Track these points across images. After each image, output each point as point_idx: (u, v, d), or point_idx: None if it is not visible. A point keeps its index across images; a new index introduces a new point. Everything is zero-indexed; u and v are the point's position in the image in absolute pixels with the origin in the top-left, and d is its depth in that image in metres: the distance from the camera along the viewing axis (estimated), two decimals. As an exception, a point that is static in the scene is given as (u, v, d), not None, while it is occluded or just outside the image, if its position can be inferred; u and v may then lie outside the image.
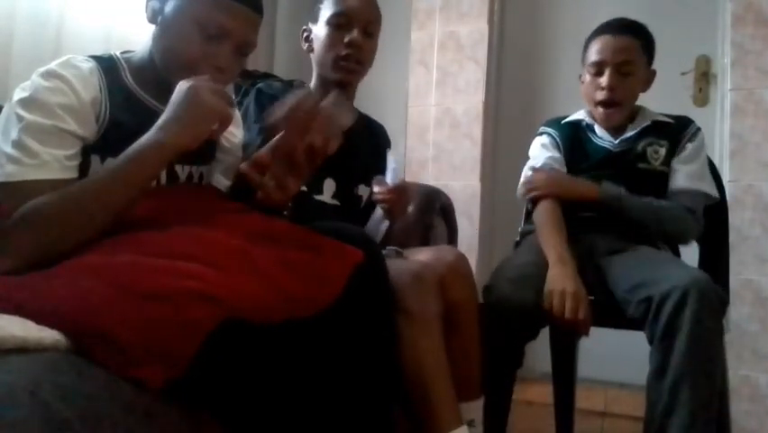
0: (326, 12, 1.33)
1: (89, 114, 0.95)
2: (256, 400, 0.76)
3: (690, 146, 1.46)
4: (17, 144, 0.88)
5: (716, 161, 1.74)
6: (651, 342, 1.16)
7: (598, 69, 1.46)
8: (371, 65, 1.38)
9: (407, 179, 2.47)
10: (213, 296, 0.72)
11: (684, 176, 1.44)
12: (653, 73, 1.52)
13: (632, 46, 1.44)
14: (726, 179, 1.98)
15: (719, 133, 2.16)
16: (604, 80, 1.44)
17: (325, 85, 1.34)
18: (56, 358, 0.63)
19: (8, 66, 1.47)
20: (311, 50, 1.38)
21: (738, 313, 2.00)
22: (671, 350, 1.11)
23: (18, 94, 0.92)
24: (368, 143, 1.45)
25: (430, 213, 1.80)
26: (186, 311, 0.69)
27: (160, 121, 0.89)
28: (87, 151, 0.95)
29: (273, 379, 0.77)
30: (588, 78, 1.50)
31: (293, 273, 0.81)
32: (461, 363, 1.10)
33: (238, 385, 0.75)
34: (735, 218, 1.95)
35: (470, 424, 1.10)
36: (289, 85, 1.43)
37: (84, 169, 0.95)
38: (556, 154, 1.55)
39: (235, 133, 1.18)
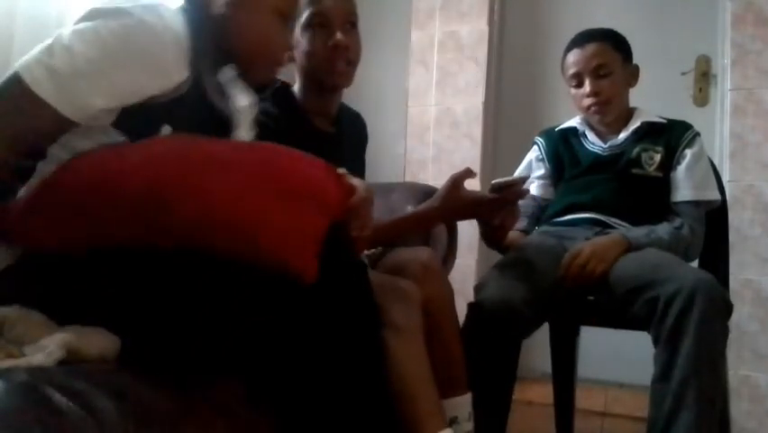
0: (302, 15, 1.22)
1: (174, 68, 0.87)
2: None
3: (688, 152, 1.46)
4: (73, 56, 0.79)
5: (716, 161, 1.74)
6: (656, 343, 1.16)
7: (578, 80, 1.52)
8: (360, 58, 1.29)
9: (407, 179, 2.48)
10: (325, 201, 0.78)
11: (687, 187, 1.44)
12: (636, 68, 1.55)
13: (601, 49, 1.49)
14: (726, 179, 1.98)
15: (719, 133, 2.16)
16: (586, 88, 1.49)
17: (314, 90, 1.28)
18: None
19: (8, 66, 1.47)
20: (292, 59, 1.26)
21: (738, 313, 1.99)
22: (677, 351, 1.11)
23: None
24: (349, 147, 1.42)
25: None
26: (313, 216, 0.76)
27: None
28: (158, 117, 0.87)
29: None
30: (572, 91, 1.55)
31: None
32: (442, 359, 1.11)
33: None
34: (735, 218, 1.95)
35: (454, 421, 1.10)
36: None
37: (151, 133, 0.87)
38: (539, 172, 1.62)
39: None
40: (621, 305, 1.26)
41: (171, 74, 0.87)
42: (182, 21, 0.89)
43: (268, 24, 0.98)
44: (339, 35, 1.21)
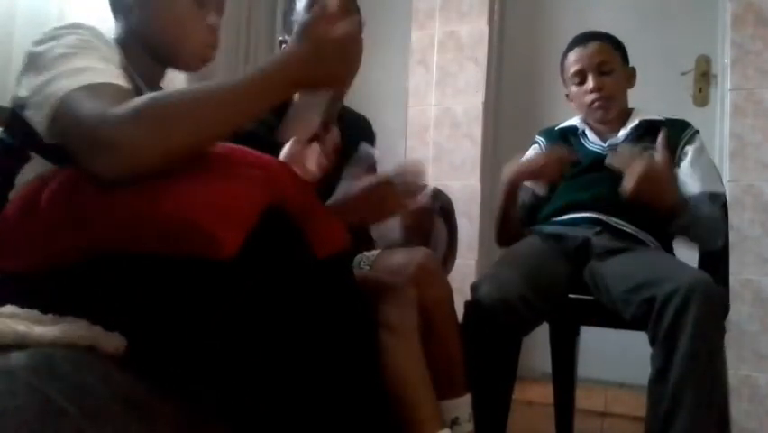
0: (297, 23, 1.23)
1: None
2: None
3: (690, 149, 1.47)
4: (80, 63, 0.78)
5: (716, 162, 1.74)
6: (653, 343, 1.16)
7: (581, 77, 1.53)
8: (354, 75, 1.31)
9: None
10: (265, 179, 0.74)
11: (699, 182, 1.44)
12: (633, 70, 1.57)
13: (603, 48, 1.53)
14: (726, 179, 1.98)
15: (719, 133, 2.16)
16: (589, 84, 1.51)
17: (307, 99, 1.27)
18: (55, 352, 0.64)
19: (8, 66, 1.48)
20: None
21: (738, 313, 1.99)
22: (673, 351, 1.11)
23: (51, 42, 0.82)
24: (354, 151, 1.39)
25: (430, 213, 1.80)
26: (247, 187, 0.71)
27: (298, 55, 0.81)
28: None
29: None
30: (574, 89, 1.56)
31: None
32: (441, 360, 1.11)
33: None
34: (735, 218, 1.95)
35: (455, 422, 1.11)
36: None
37: None
38: None
39: None
40: (619, 305, 1.26)
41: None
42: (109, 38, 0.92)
43: (179, 9, 0.97)
44: None
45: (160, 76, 1.06)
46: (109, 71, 0.80)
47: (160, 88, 1.08)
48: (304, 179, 0.85)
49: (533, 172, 1.47)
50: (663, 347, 1.13)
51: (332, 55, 0.83)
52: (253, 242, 0.70)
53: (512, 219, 1.54)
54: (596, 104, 1.51)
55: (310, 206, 0.82)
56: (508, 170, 1.48)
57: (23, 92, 0.82)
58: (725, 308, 1.16)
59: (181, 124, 0.71)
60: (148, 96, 0.74)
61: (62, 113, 0.75)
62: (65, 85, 0.76)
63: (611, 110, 1.52)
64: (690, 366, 1.09)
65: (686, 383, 1.09)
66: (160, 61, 1.02)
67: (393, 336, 1.03)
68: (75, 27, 0.86)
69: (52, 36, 0.84)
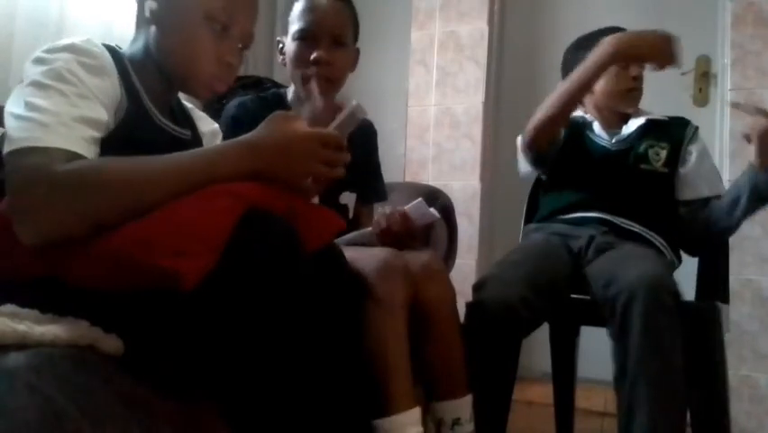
0: (293, 26, 1.27)
1: (111, 106, 0.85)
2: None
3: (693, 150, 1.48)
4: (43, 109, 0.76)
5: (716, 161, 1.73)
6: (611, 341, 1.17)
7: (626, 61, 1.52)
8: (346, 76, 1.31)
9: (407, 180, 2.48)
10: (235, 192, 0.74)
11: (707, 185, 1.46)
12: None
13: None
14: (726, 178, 1.98)
15: (719, 133, 2.16)
16: (633, 71, 1.50)
17: (301, 101, 1.28)
18: (55, 352, 0.64)
19: (8, 66, 1.48)
20: (285, 63, 1.32)
21: (738, 313, 2.00)
22: (626, 350, 1.11)
23: (38, 66, 0.80)
24: (358, 147, 1.39)
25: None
26: (213, 203, 0.72)
27: (256, 142, 0.82)
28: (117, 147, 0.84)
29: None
30: (614, 68, 1.50)
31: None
32: (443, 361, 1.11)
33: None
34: (735, 218, 1.95)
35: (456, 423, 1.10)
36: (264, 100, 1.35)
37: None
38: None
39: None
40: (600, 304, 1.25)
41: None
42: (111, 61, 0.88)
43: (194, 29, 0.91)
44: (322, 50, 1.22)
45: (171, 97, 1.02)
46: (66, 125, 0.76)
47: (176, 105, 1.05)
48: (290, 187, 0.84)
49: (642, 50, 1.34)
50: (618, 346, 1.13)
51: (291, 152, 0.83)
52: (238, 244, 0.71)
53: (568, 113, 1.45)
54: (633, 93, 1.52)
55: (294, 204, 0.82)
56: (613, 41, 1.34)
57: (6, 106, 0.80)
58: (676, 301, 1.14)
59: (113, 199, 0.73)
60: (79, 166, 0.74)
61: (7, 162, 0.74)
62: (15, 137, 0.74)
63: (638, 102, 1.55)
64: (642, 362, 1.09)
65: (639, 381, 1.09)
66: (168, 83, 0.98)
67: (378, 309, 1.02)
68: (66, 50, 0.82)
69: (41, 59, 0.82)
